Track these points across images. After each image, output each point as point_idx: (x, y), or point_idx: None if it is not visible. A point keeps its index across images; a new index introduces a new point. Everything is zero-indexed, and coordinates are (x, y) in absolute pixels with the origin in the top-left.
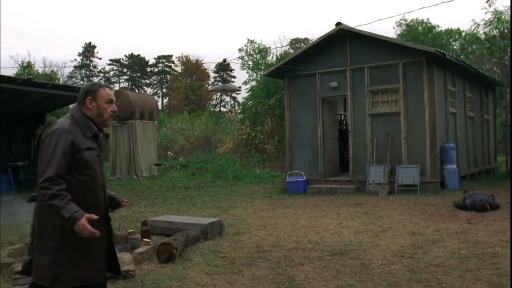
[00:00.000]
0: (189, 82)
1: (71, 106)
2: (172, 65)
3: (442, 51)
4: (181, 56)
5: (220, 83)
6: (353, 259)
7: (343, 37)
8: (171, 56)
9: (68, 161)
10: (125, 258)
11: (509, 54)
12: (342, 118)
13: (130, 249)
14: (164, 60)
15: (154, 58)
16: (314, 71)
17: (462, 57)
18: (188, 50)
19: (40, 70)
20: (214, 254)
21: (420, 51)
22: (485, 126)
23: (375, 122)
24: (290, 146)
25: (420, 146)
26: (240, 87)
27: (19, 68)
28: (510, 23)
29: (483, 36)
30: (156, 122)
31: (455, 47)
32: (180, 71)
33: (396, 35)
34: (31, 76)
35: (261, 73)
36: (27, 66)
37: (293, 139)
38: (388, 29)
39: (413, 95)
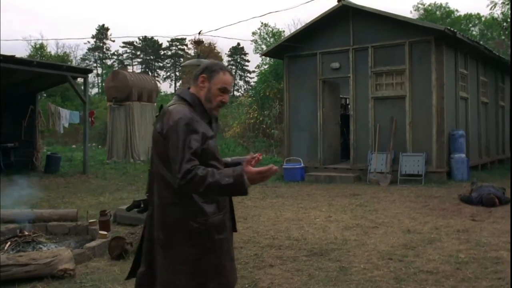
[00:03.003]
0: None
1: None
2: (185, 48)
3: (452, 29)
4: (194, 39)
5: (195, 59)
6: (332, 261)
7: (345, 14)
8: (185, 39)
9: (200, 152)
10: (63, 255)
11: None
12: (347, 102)
13: (89, 241)
14: (178, 43)
15: (168, 41)
16: (315, 51)
17: (481, 42)
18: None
19: (53, 52)
20: None
21: (428, 29)
22: (499, 113)
23: (379, 106)
24: (288, 130)
25: (426, 132)
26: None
27: (32, 50)
28: (510, 22)
29: (500, 17)
30: (155, 104)
31: (474, 32)
32: (193, 54)
33: None
34: (43, 58)
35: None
36: (39, 48)
37: (291, 123)
38: (405, 13)
39: (420, 77)
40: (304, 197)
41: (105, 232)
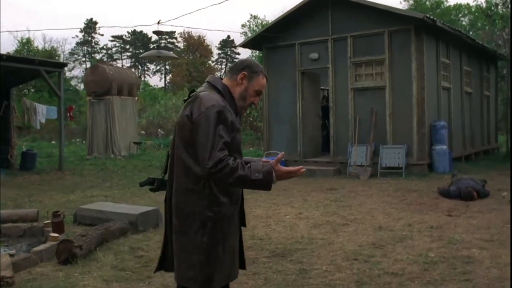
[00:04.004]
0: (191, 58)
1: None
2: (175, 41)
3: (432, 17)
4: (183, 32)
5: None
6: (293, 263)
7: (324, 3)
8: (174, 32)
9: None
10: (0, 262)
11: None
12: (328, 93)
13: (43, 243)
14: (167, 37)
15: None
16: (293, 42)
17: (471, 33)
18: (193, 25)
19: (40, 47)
20: (132, 253)
21: (408, 17)
22: (484, 102)
23: (358, 97)
24: (268, 123)
25: (407, 124)
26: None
27: (18, 45)
28: (510, 22)
29: (484, 5)
30: (136, 98)
31: (464, 23)
32: (182, 47)
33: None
34: (30, 53)
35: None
36: (26, 43)
37: (271, 116)
38: (392, 3)
39: (400, 67)
40: (280, 192)
41: (57, 235)
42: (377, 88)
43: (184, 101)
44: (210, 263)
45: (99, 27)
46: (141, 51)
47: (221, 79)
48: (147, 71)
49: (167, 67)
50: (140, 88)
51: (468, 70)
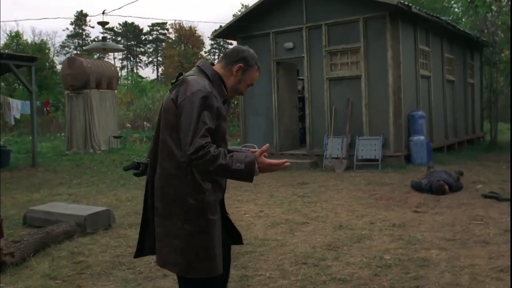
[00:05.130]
0: (183, 50)
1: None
2: (167, 32)
3: (407, 3)
4: (174, 23)
5: (100, 42)
6: (237, 269)
7: None
8: (165, 23)
9: (213, 129)
10: None
11: (494, 10)
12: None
13: None
14: (159, 28)
15: (148, 26)
16: (268, 31)
17: (463, 20)
18: (182, 17)
19: (30, 40)
20: (70, 259)
21: (382, 3)
22: (468, 91)
23: (334, 87)
24: (244, 115)
25: (383, 114)
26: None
27: (7, 38)
28: (510, 22)
29: None
30: (115, 91)
31: (456, 9)
32: (174, 38)
33: None
34: (20, 46)
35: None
36: (15, 36)
37: (246, 107)
38: None
39: (375, 55)
40: (249, 187)
41: None
42: (352, 77)
43: (172, 84)
44: (191, 250)
45: (89, 18)
46: (133, 42)
47: (213, 64)
48: (140, 63)
49: (159, 58)
50: (129, 80)
51: (450, 57)
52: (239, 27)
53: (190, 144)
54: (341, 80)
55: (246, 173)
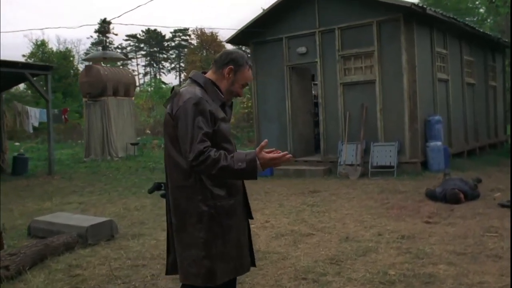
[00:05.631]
0: (204, 55)
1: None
2: (189, 38)
3: (422, 5)
4: (196, 29)
5: (100, 50)
6: None
7: None
8: (187, 29)
9: (211, 132)
10: None
11: None
12: None
13: None
14: (181, 34)
15: (171, 32)
16: (281, 36)
17: (488, 21)
18: (204, 23)
19: (55, 48)
20: (67, 272)
21: (395, 6)
22: (490, 94)
23: (348, 92)
24: (257, 121)
25: (399, 120)
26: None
27: (33, 47)
28: (510, 21)
29: None
30: (133, 98)
31: (481, 10)
32: (196, 44)
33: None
34: (45, 55)
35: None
36: (41, 45)
37: (260, 113)
38: None
39: (389, 59)
40: (260, 195)
41: None
42: (366, 82)
43: (167, 99)
44: (209, 258)
45: (113, 26)
46: (155, 49)
47: (204, 73)
48: (162, 69)
49: (182, 64)
50: (152, 86)
51: (469, 60)
52: (252, 32)
53: (189, 151)
54: (355, 85)
55: (249, 171)
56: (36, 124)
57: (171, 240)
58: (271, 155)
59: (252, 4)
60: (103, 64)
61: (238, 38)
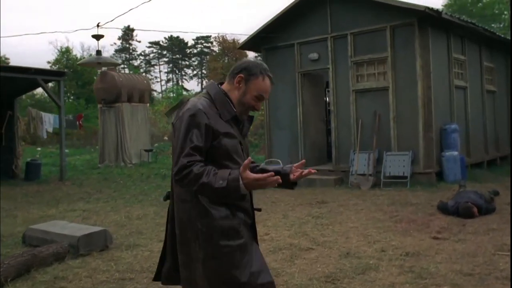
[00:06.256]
0: (226, 62)
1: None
2: (211, 45)
3: (436, 9)
4: (218, 36)
5: (94, 55)
6: None
7: None
8: (210, 36)
9: (206, 147)
10: None
11: None
12: None
13: None
14: (203, 41)
15: (193, 39)
16: (292, 41)
17: None
18: (226, 29)
19: (79, 55)
20: (51, 284)
21: (409, 10)
22: None
23: (360, 99)
24: (268, 129)
25: (413, 128)
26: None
27: (58, 54)
28: (510, 20)
29: None
30: (148, 104)
31: (507, 16)
32: (218, 51)
33: (442, 5)
34: (69, 62)
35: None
36: (65, 52)
37: (271, 121)
38: (432, 0)
39: (403, 66)
40: (266, 205)
41: None
42: (379, 89)
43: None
44: (208, 276)
45: (136, 33)
46: (178, 56)
47: (221, 83)
48: (185, 76)
49: (204, 71)
50: (174, 93)
51: (490, 66)
52: (263, 38)
53: (175, 164)
54: (367, 92)
55: (230, 191)
56: (50, 130)
57: (169, 249)
58: (255, 175)
59: (274, 10)
60: (125, 70)
61: (250, 44)
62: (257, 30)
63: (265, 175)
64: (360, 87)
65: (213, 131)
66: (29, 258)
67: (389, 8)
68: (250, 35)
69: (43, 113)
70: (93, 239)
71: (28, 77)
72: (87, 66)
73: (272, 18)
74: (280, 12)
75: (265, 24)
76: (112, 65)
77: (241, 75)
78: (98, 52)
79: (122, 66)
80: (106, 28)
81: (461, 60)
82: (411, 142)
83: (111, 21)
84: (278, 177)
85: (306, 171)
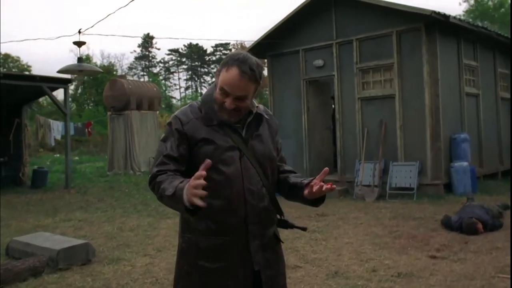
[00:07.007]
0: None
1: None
2: (229, 52)
3: (444, 13)
4: (236, 43)
5: (76, 63)
6: None
7: (327, 4)
8: (228, 44)
9: (183, 155)
10: None
11: None
12: None
13: None
14: (222, 48)
15: (212, 47)
16: (297, 48)
17: None
18: (244, 37)
19: (99, 63)
20: None
21: (415, 14)
22: None
23: (366, 107)
24: None
25: (420, 137)
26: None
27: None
28: (510, 20)
29: None
30: (157, 112)
31: None
32: None
33: (463, 11)
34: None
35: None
36: (86, 59)
37: None
38: (453, 6)
39: (410, 72)
40: None
41: None
42: (386, 97)
43: None
44: None
45: (155, 40)
46: (197, 63)
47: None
48: (204, 83)
49: None
50: (192, 100)
51: (504, 72)
52: (268, 44)
53: (150, 173)
54: (373, 100)
55: (176, 201)
56: (59, 137)
57: None
58: (193, 181)
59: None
60: (148, 78)
61: (255, 50)
62: (261, 36)
63: (194, 182)
64: (365, 95)
65: (188, 137)
66: (0, 273)
67: (395, 13)
68: (255, 42)
69: (51, 121)
70: (74, 253)
71: (34, 84)
72: (68, 74)
73: (277, 24)
74: (285, 18)
75: (269, 30)
76: (94, 73)
77: (218, 68)
78: (79, 59)
79: (141, 73)
80: (87, 34)
81: (473, 66)
82: (418, 152)
83: (91, 27)
84: (201, 181)
85: (327, 186)
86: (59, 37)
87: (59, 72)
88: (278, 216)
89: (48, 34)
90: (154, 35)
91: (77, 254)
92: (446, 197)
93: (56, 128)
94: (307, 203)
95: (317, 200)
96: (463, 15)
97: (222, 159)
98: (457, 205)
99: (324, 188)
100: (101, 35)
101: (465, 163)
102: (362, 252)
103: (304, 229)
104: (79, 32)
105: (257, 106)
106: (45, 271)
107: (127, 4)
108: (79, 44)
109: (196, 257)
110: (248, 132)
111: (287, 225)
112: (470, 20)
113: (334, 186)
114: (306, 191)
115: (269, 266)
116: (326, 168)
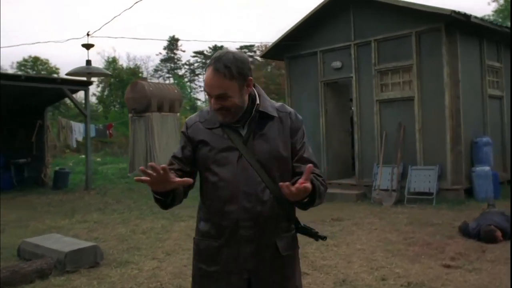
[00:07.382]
0: (268, 71)
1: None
2: (254, 54)
3: (465, 12)
4: (260, 45)
5: (84, 66)
6: None
7: (345, 4)
8: (253, 46)
9: (188, 157)
10: None
11: None
12: None
13: None
14: (247, 50)
15: (236, 49)
16: (315, 49)
17: None
18: (268, 39)
19: (125, 65)
20: None
21: (434, 14)
22: None
23: (385, 110)
24: None
25: (440, 141)
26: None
27: (105, 64)
28: (510, 20)
29: None
30: (178, 114)
31: None
32: (261, 60)
33: (492, 11)
34: (116, 71)
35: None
36: (112, 62)
37: None
38: (482, 7)
39: (430, 74)
40: None
41: None
42: (404, 99)
43: None
44: None
45: (181, 43)
46: None
47: None
48: None
49: None
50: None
51: None
52: (286, 46)
53: None
54: (392, 102)
55: (155, 197)
56: (80, 139)
57: None
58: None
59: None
60: (172, 80)
61: (272, 52)
62: (279, 38)
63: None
64: (384, 97)
65: (190, 140)
66: (8, 275)
67: (414, 13)
68: (272, 43)
69: (73, 122)
70: (81, 255)
71: (54, 87)
72: (77, 76)
73: (294, 26)
74: (302, 19)
75: (287, 32)
76: (102, 75)
77: None
78: (88, 62)
79: (167, 75)
80: (95, 37)
81: (497, 67)
82: (438, 156)
83: (99, 29)
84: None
85: (298, 185)
86: (68, 40)
87: (67, 74)
88: (301, 224)
89: (74, 35)
90: (179, 37)
91: (85, 257)
92: (466, 202)
93: (78, 129)
94: (296, 205)
95: (302, 203)
96: (492, 15)
97: (216, 160)
98: (477, 211)
99: (294, 189)
100: (124, 37)
101: (487, 168)
102: (373, 260)
103: (324, 238)
104: (88, 34)
105: (257, 104)
106: (52, 274)
107: (131, 6)
108: (87, 46)
109: (197, 259)
110: (248, 131)
111: (309, 232)
112: (500, 20)
113: (308, 185)
114: (286, 191)
115: (266, 275)
116: (310, 165)
